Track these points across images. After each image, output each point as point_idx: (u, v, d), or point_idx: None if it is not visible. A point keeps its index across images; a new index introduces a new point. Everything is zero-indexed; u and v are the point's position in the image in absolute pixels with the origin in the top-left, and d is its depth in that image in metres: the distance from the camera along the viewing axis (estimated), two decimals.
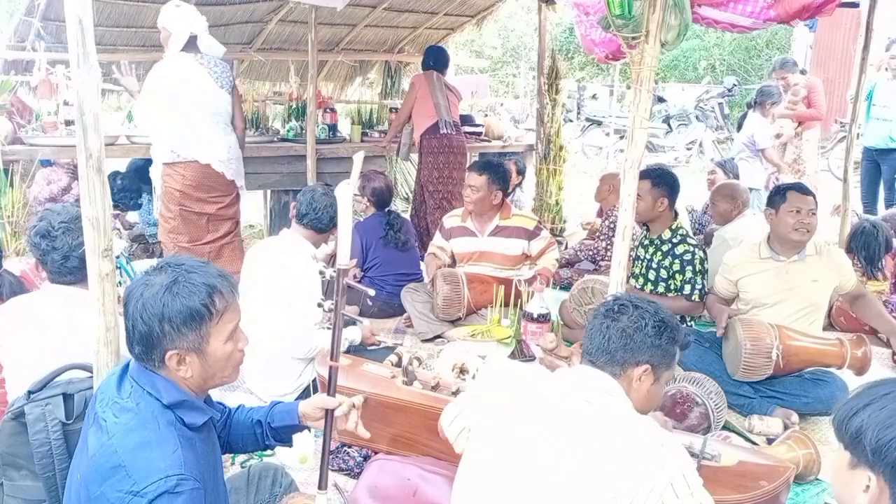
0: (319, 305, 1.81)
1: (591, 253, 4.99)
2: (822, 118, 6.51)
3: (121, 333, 1.61)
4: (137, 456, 1.37)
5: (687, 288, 3.46)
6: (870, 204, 6.36)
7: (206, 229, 4.05)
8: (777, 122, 6.32)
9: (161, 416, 1.44)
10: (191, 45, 3.82)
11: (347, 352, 3.01)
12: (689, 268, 3.45)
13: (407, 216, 5.10)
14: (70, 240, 2.13)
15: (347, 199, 1.74)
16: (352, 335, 3.15)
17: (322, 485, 1.76)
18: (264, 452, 2.60)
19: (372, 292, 1.96)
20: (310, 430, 2.26)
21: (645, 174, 3.60)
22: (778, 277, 3.11)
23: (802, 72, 6.85)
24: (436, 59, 5.48)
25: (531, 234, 4.02)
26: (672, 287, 3.51)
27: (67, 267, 2.15)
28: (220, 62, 3.91)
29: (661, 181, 3.51)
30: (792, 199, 3.07)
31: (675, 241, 3.52)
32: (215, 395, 3.00)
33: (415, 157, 5.75)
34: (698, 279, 3.47)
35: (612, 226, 4.66)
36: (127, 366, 1.53)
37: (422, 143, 5.27)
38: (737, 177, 5.38)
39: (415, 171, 7.79)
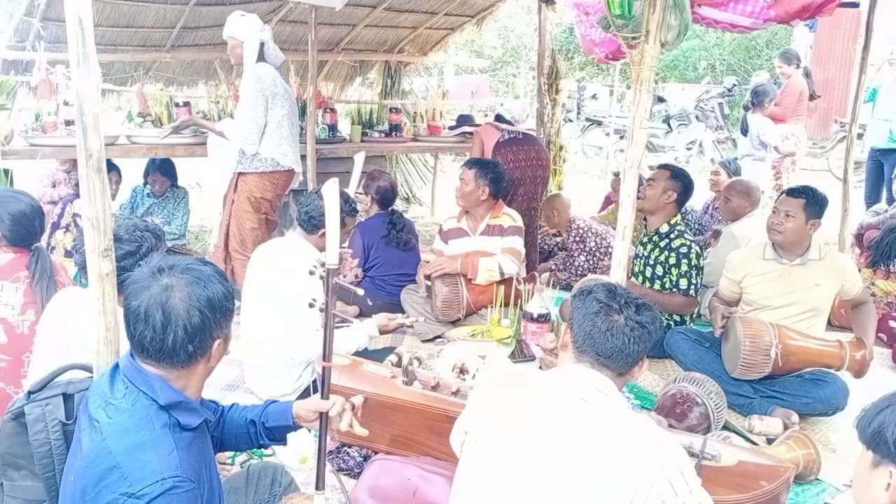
0: (311, 305, 1.81)
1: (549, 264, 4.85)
2: (783, 118, 6.09)
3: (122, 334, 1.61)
4: (133, 457, 1.36)
5: (683, 282, 3.48)
6: (873, 204, 6.28)
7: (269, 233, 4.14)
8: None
9: (156, 417, 1.42)
10: (261, 54, 3.82)
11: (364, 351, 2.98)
12: (685, 261, 3.46)
13: (407, 217, 5.07)
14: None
15: (335, 197, 1.74)
16: (367, 330, 3.01)
17: (319, 485, 1.76)
18: (264, 452, 2.60)
19: (361, 291, 1.96)
20: (309, 431, 2.26)
21: (667, 166, 3.75)
22: (780, 280, 3.10)
23: (805, 70, 6.47)
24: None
25: (517, 231, 3.97)
26: (668, 283, 3.52)
27: None
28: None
29: (679, 177, 3.58)
30: (779, 200, 3.16)
31: (672, 235, 3.55)
32: (214, 393, 3.03)
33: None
34: (693, 273, 3.48)
35: (576, 238, 4.66)
36: (117, 365, 1.51)
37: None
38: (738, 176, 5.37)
39: (415, 172, 7.82)
